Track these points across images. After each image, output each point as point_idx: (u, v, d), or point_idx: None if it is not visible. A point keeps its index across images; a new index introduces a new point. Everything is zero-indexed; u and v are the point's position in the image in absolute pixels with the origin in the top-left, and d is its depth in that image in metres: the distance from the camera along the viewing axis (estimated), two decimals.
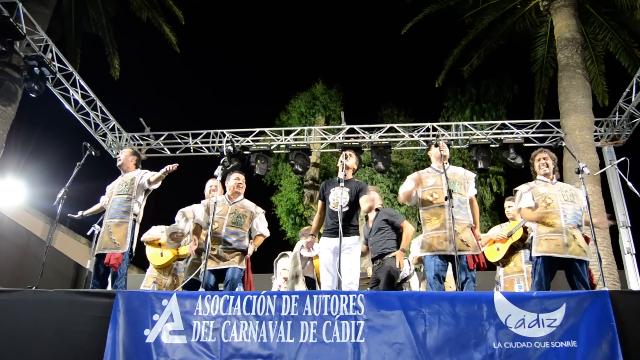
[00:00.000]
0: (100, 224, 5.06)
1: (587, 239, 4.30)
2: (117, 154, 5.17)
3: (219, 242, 4.65)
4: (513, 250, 5.15)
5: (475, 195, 4.66)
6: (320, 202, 4.81)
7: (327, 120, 14.85)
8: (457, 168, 4.78)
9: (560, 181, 4.61)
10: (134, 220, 4.83)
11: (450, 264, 4.36)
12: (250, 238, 4.88)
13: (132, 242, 4.76)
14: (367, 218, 5.40)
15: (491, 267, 5.64)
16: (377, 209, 5.33)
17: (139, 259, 4.98)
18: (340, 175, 4.52)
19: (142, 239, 5.68)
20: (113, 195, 4.90)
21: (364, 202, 4.53)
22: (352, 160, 4.74)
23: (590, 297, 3.42)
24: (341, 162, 4.70)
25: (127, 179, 4.96)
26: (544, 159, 4.56)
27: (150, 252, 5.76)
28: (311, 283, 5.48)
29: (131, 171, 5.06)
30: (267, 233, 4.96)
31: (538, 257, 4.22)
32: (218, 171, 4.66)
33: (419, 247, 5.59)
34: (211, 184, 5.43)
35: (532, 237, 4.36)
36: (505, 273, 5.19)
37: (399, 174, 13.80)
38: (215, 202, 4.48)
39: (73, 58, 10.85)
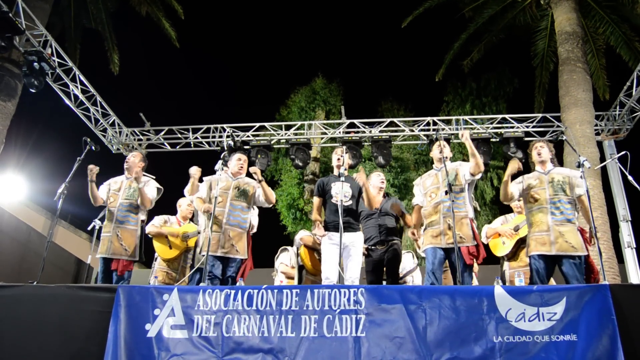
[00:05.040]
0: (102, 219, 5.08)
1: (582, 231, 4.28)
2: (127, 156, 5.24)
3: (223, 215, 4.66)
4: (520, 244, 5.14)
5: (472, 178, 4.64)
6: (317, 198, 4.83)
7: (327, 115, 14.84)
8: (454, 162, 4.80)
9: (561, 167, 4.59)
10: (142, 227, 4.99)
11: (447, 259, 4.46)
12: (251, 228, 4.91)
13: (141, 249, 4.92)
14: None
15: (493, 260, 5.63)
16: (387, 194, 5.38)
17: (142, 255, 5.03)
18: (342, 170, 4.53)
19: (147, 231, 5.70)
20: (120, 198, 4.97)
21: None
22: (349, 156, 4.83)
23: (590, 290, 3.42)
24: (342, 156, 4.73)
25: (135, 184, 5.02)
26: (540, 147, 4.58)
27: (158, 245, 5.77)
28: (299, 271, 5.50)
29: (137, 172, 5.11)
30: (272, 198, 4.90)
31: (530, 256, 4.28)
32: (218, 166, 4.67)
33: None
34: (217, 167, 4.86)
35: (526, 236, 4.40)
36: (510, 267, 5.19)
37: (399, 168, 13.81)
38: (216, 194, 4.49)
39: (73, 53, 10.83)
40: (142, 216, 5.05)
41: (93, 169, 4.86)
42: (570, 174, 4.43)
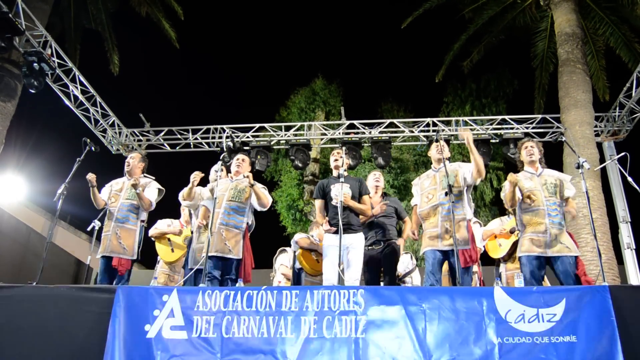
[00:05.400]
0: (101, 220, 5.08)
1: (570, 235, 4.27)
2: (126, 157, 5.31)
3: (218, 216, 4.68)
4: (516, 246, 5.14)
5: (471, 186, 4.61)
6: (319, 200, 4.83)
7: (327, 116, 14.84)
8: (453, 164, 4.77)
9: (551, 169, 4.58)
10: (142, 226, 5.02)
11: (446, 261, 4.47)
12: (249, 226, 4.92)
13: (139, 248, 4.95)
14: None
15: (491, 261, 5.63)
16: (385, 194, 5.36)
17: (140, 255, 5.05)
18: (341, 171, 4.53)
19: (149, 234, 5.72)
20: (121, 198, 5.00)
21: (365, 202, 4.70)
22: (347, 156, 4.85)
23: (590, 292, 3.42)
24: (340, 157, 4.73)
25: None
26: (531, 147, 4.55)
27: (160, 248, 5.78)
28: (296, 275, 5.51)
29: (137, 176, 5.15)
30: (265, 201, 4.87)
31: (522, 257, 4.24)
32: (218, 167, 4.68)
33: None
34: (216, 168, 5.23)
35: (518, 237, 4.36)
36: (507, 268, 5.19)
37: (399, 169, 13.81)
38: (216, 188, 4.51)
39: (72, 54, 10.82)
40: (143, 216, 5.07)
41: (92, 179, 4.88)
42: (561, 177, 4.44)
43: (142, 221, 5.05)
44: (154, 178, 5.25)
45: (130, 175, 5.17)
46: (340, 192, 4.39)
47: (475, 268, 4.97)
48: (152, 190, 5.11)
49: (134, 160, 5.22)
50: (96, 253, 4.96)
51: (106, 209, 5.05)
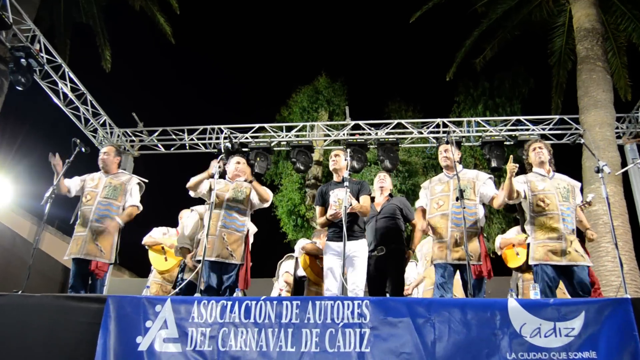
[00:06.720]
0: (75, 217, 5.00)
1: (582, 241, 4.25)
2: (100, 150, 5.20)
3: (219, 218, 4.68)
4: None
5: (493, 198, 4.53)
6: (319, 207, 4.83)
7: (330, 116, 14.85)
8: (468, 170, 4.74)
9: (561, 174, 4.54)
10: (120, 229, 4.94)
11: (458, 271, 4.44)
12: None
13: (117, 250, 4.89)
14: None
15: (506, 272, 5.62)
16: (390, 195, 5.32)
17: (132, 263, 5.05)
18: (345, 174, 4.51)
19: (143, 242, 5.72)
20: (98, 196, 4.92)
21: (363, 201, 4.61)
22: (347, 158, 4.77)
23: (611, 304, 3.40)
24: (345, 160, 4.72)
25: (116, 182, 5.02)
26: (539, 148, 4.51)
27: (154, 257, 5.78)
28: (301, 283, 5.50)
29: (115, 172, 5.12)
30: (266, 196, 4.91)
31: (536, 266, 4.17)
32: (215, 169, 4.68)
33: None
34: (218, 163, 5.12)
35: (528, 244, 4.28)
36: (524, 279, 5.18)
37: (407, 172, 13.79)
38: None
39: (62, 49, 10.88)
40: (122, 216, 4.97)
41: (58, 166, 4.76)
42: (572, 183, 4.43)
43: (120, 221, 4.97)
44: (140, 177, 5.17)
45: (106, 171, 5.07)
46: (345, 197, 4.36)
47: None
48: (136, 192, 5.07)
49: (109, 156, 5.13)
50: (66, 254, 4.87)
51: (79, 208, 4.96)
